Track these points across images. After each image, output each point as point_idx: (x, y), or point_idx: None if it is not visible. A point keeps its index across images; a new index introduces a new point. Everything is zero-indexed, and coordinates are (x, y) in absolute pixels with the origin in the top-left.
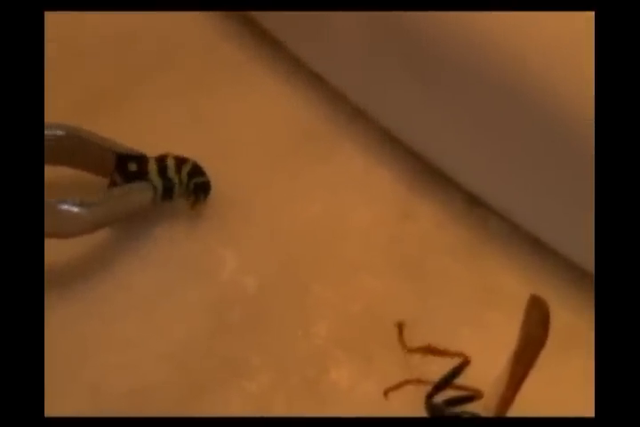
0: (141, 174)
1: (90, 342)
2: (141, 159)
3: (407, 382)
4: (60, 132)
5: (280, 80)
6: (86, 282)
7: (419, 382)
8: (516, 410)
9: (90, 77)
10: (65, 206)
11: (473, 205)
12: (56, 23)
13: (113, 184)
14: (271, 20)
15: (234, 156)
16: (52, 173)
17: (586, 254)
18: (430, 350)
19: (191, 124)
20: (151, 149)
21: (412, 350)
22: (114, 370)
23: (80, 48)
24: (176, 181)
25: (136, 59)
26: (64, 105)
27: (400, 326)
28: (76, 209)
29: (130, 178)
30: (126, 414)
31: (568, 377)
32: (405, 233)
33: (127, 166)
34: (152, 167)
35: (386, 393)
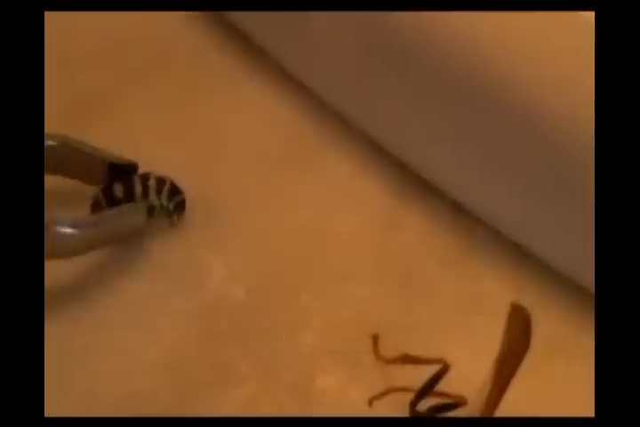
0: (128, 199)
1: (82, 351)
2: (127, 181)
3: (391, 390)
4: (50, 143)
5: (267, 87)
6: (78, 292)
7: (403, 390)
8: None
9: (80, 84)
10: (58, 227)
11: (459, 213)
12: (46, 29)
13: (98, 206)
14: (257, 27)
15: (220, 164)
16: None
17: (572, 262)
18: (407, 360)
19: (180, 131)
20: (140, 154)
21: (389, 361)
22: (105, 378)
23: (70, 54)
24: (157, 202)
25: (126, 65)
26: (54, 111)
27: (375, 339)
28: (69, 230)
29: (115, 203)
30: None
31: (552, 383)
32: (392, 241)
33: (113, 191)
34: (137, 191)
35: (370, 402)
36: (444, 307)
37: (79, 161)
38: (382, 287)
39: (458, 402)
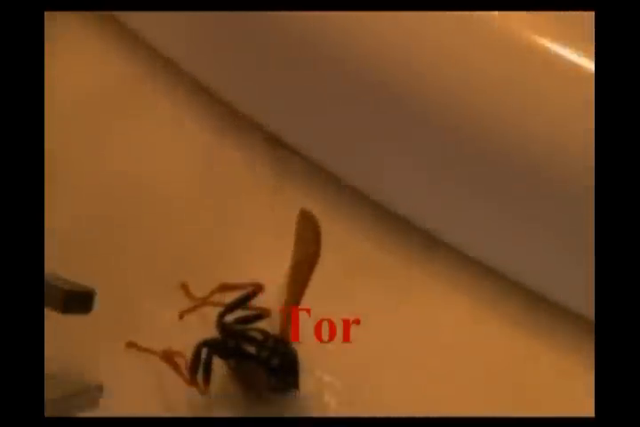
0: None
1: None
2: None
3: (202, 303)
4: None
5: None
6: None
7: (213, 304)
8: None
9: None
10: None
11: (275, 144)
12: None
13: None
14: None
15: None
16: None
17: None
18: (224, 288)
19: None
20: None
21: (206, 298)
22: None
23: None
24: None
25: None
26: None
27: (184, 287)
28: None
29: None
30: None
31: None
32: (210, 176)
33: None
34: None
35: (181, 316)
36: (256, 233)
37: None
38: (199, 218)
39: (262, 313)
